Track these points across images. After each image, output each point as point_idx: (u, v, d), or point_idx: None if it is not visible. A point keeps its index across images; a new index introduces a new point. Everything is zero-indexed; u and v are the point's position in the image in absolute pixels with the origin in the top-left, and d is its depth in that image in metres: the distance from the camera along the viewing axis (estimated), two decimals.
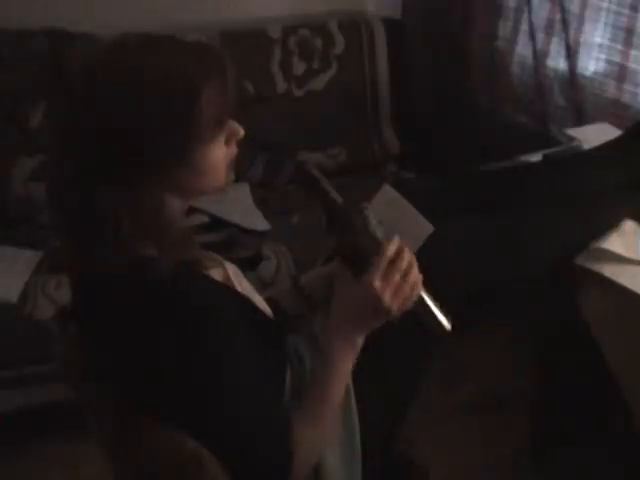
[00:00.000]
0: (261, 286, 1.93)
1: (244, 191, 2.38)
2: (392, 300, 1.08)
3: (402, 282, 1.08)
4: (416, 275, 1.09)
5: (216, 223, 2.19)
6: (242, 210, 2.29)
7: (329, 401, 1.11)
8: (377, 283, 1.07)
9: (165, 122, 0.95)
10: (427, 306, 1.14)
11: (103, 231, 0.97)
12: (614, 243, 1.46)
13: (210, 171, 1.02)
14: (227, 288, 1.11)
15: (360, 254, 1.10)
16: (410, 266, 1.09)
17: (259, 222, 2.25)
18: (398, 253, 1.09)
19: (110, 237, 0.97)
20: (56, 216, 1.03)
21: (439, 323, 1.15)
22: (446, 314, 1.15)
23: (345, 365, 1.12)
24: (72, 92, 0.99)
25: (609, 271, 1.43)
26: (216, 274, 1.10)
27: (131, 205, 0.96)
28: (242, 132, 1.04)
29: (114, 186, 0.96)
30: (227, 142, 1.03)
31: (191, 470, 1.04)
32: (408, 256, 1.09)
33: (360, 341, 1.12)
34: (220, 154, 1.02)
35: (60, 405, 1.62)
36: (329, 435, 1.14)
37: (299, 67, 2.54)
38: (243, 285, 1.17)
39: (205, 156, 1.00)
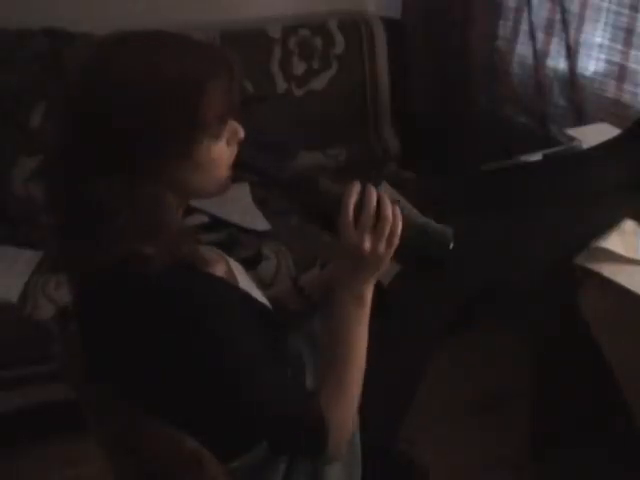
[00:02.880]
0: (261, 286, 1.93)
1: (244, 191, 2.38)
2: (373, 243, 1.04)
3: (377, 221, 1.04)
4: (388, 209, 1.04)
5: (216, 223, 2.19)
6: (242, 210, 2.29)
7: (350, 358, 1.08)
8: (350, 232, 1.04)
9: (168, 120, 0.95)
10: (419, 231, 1.09)
11: (101, 230, 0.97)
12: (614, 243, 1.46)
13: (212, 169, 1.02)
14: (227, 284, 1.10)
15: (325, 211, 1.07)
16: (381, 203, 1.04)
17: (259, 222, 2.25)
18: (363, 195, 1.05)
19: (108, 236, 0.97)
20: (55, 216, 1.03)
21: (439, 242, 1.10)
22: (442, 227, 1.10)
23: (356, 318, 1.08)
24: (71, 91, 0.99)
25: (608, 271, 1.43)
26: (218, 270, 1.10)
27: (131, 203, 0.97)
28: (242, 133, 1.05)
29: (115, 184, 0.96)
30: (228, 142, 1.04)
31: (191, 470, 1.04)
32: (373, 194, 1.05)
33: (367, 294, 1.08)
34: (222, 153, 1.03)
35: (60, 405, 1.62)
36: (356, 398, 1.09)
37: (299, 67, 2.54)
38: (244, 281, 1.17)
39: (208, 153, 1.00)
